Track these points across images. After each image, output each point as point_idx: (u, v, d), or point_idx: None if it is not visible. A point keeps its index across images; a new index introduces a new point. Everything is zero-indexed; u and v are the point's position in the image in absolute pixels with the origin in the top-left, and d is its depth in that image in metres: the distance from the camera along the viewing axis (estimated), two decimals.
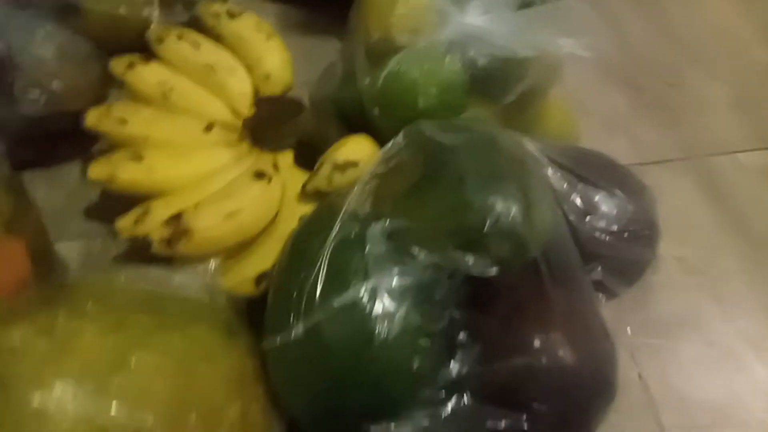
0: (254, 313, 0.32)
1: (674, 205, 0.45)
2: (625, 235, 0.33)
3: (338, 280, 0.28)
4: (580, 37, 0.35)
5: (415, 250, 0.28)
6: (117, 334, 0.26)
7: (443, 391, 0.29)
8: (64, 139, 0.41)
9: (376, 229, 0.29)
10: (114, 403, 0.24)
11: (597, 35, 0.34)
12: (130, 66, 0.39)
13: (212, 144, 0.38)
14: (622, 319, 0.35)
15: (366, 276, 0.28)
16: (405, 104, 0.35)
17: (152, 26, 0.41)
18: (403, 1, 0.36)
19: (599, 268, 0.33)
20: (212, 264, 0.34)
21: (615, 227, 0.33)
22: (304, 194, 0.36)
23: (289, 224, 0.35)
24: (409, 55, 0.35)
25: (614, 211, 0.33)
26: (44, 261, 0.33)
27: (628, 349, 0.38)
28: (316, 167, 0.35)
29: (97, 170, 0.35)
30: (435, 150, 0.31)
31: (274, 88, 0.40)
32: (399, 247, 0.29)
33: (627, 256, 0.33)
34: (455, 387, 0.29)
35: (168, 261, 0.34)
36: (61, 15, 0.39)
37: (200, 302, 0.30)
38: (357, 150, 0.35)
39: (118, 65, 0.39)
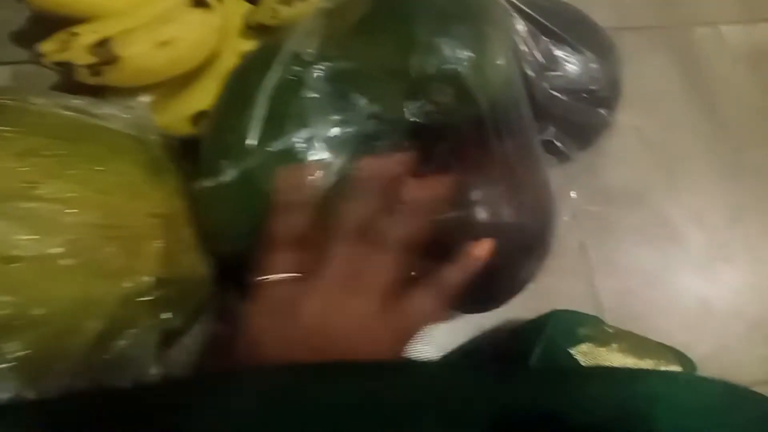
0: (191, 153, 0.31)
1: (643, 74, 0.43)
2: (584, 94, 0.32)
3: (275, 125, 0.27)
4: None
5: (356, 97, 0.26)
6: (29, 159, 0.24)
7: None
8: None
9: (318, 71, 0.27)
10: (23, 228, 0.23)
11: None
12: None
13: None
14: (570, 183, 0.35)
15: (303, 122, 0.26)
16: None
17: None
18: None
19: (553, 129, 0.32)
20: (145, 99, 0.32)
21: (575, 85, 0.31)
22: (248, 28, 0.33)
23: (231, 61, 0.33)
24: None
25: (576, 69, 0.31)
26: None
27: (571, 214, 0.38)
28: None
29: None
30: None
31: None
32: (341, 92, 0.27)
33: (583, 117, 0.32)
34: None
35: (99, 92, 0.32)
36: None
37: (127, 136, 0.28)
38: None
39: None
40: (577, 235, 0.38)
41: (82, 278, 0.24)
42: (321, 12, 0.29)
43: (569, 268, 0.38)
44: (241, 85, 0.29)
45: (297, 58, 0.28)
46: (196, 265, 0.28)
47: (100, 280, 0.24)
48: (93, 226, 0.24)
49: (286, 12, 0.31)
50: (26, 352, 0.22)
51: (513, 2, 0.31)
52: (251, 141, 0.26)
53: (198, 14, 0.31)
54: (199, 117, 0.32)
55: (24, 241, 0.22)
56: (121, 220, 0.25)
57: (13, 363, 0.21)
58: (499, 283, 0.31)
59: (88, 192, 0.25)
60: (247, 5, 0.34)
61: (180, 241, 0.27)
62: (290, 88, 0.27)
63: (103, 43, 0.30)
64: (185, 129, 0.32)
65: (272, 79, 0.27)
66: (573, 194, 0.32)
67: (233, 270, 0.29)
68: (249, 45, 0.33)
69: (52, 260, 0.23)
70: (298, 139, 0.26)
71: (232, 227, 0.28)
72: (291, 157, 0.26)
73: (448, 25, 0.27)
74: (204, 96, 0.32)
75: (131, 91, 0.32)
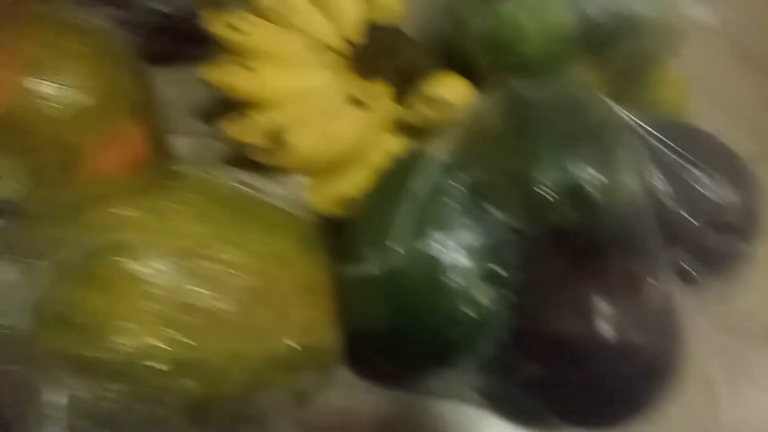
0: (333, 232, 0.34)
1: None
2: (718, 223, 0.32)
3: (418, 227, 0.29)
4: (711, 4, 0.32)
5: (491, 207, 0.29)
6: (209, 225, 0.28)
7: (495, 342, 0.30)
8: (184, 38, 0.44)
9: (458, 180, 0.30)
10: (199, 283, 0.26)
11: (731, 6, 0.32)
12: None
13: (317, 64, 0.39)
14: (701, 311, 0.34)
15: (444, 227, 0.29)
16: (510, 49, 0.35)
17: None
18: None
19: (683, 253, 0.32)
20: (300, 179, 0.36)
21: (707, 212, 0.31)
22: (396, 126, 0.37)
23: (377, 154, 0.36)
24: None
25: (708, 196, 0.32)
26: (160, 149, 0.36)
27: (700, 343, 0.36)
28: (409, 101, 0.36)
29: (210, 74, 0.38)
30: (520, 106, 0.31)
31: (384, 17, 0.40)
32: (477, 200, 0.29)
33: (716, 244, 0.32)
34: (506, 340, 0.30)
35: (261, 169, 0.36)
36: None
37: (284, 212, 0.32)
38: (452, 89, 0.35)
39: None
40: (704, 365, 0.37)
41: (236, 334, 0.27)
42: (460, 126, 0.32)
43: (693, 400, 0.36)
44: (390, 186, 0.32)
45: (440, 166, 0.31)
46: (331, 338, 0.31)
47: (251, 339, 0.27)
48: (251, 290, 0.28)
49: (431, 115, 0.35)
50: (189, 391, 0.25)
51: (642, 124, 0.32)
52: (395, 241, 0.29)
53: (357, 112, 0.36)
54: (346, 201, 0.36)
55: (198, 294, 0.26)
56: (274, 289, 0.29)
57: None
58: (613, 404, 0.30)
59: (250, 259, 0.28)
60: (396, 106, 0.38)
61: (321, 314, 0.30)
62: (433, 192, 0.30)
63: (276, 130, 0.35)
64: (333, 210, 0.36)
65: (417, 185, 0.30)
66: (703, 321, 0.32)
67: (361, 351, 0.32)
68: (396, 141, 0.37)
69: (217, 314, 0.26)
70: (438, 244, 0.29)
71: (366, 315, 0.31)
72: (431, 260, 0.29)
73: (574, 144, 0.29)
74: (352, 183, 0.36)
75: (290, 171, 0.36)
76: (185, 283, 0.26)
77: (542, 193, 0.27)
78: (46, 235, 0.27)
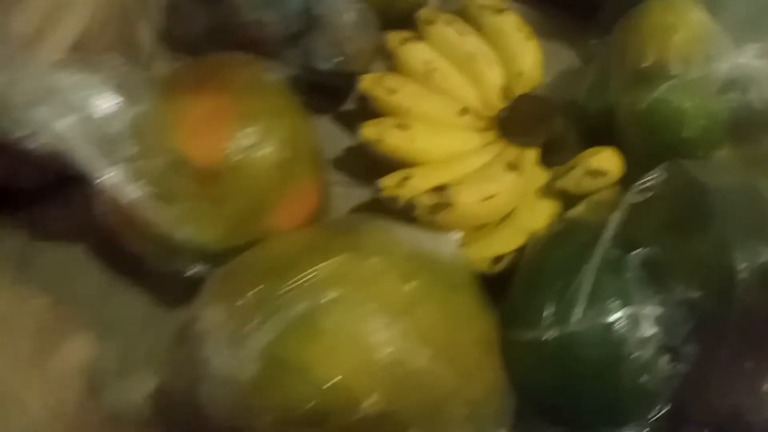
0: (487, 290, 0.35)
1: None
2: None
3: (598, 299, 0.31)
4: None
5: (673, 283, 0.30)
6: (407, 283, 0.30)
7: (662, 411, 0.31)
8: (324, 91, 0.46)
9: (636, 256, 0.31)
10: (406, 341, 0.28)
11: None
12: (404, 42, 0.43)
13: (464, 127, 0.41)
14: None
15: (626, 300, 0.30)
16: (666, 131, 0.37)
17: (424, 8, 0.45)
18: (684, 28, 0.38)
19: None
20: (457, 236, 0.37)
21: None
22: (546, 190, 0.39)
23: (526, 215, 0.38)
24: (681, 84, 0.36)
25: None
26: (324, 197, 0.38)
27: None
28: (566, 168, 0.38)
29: (369, 132, 0.39)
30: (697, 190, 0.32)
31: (524, 86, 0.42)
32: (656, 277, 0.31)
33: None
34: (673, 409, 0.31)
35: (408, 223, 0.38)
36: None
37: (456, 266, 0.33)
38: (610, 161, 0.37)
39: (393, 39, 0.43)
40: None
41: (431, 393, 0.28)
42: (631, 204, 0.33)
43: None
44: (560, 254, 0.34)
45: (613, 241, 0.32)
46: (504, 398, 0.31)
47: (440, 399, 0.28)
48: (446, 346, 0.29)
49: (588, 184, 0.37)
50: None
51: None
52: (576, 311, 0.30)
53: (512, 176, 0.38)
54: (498, 259, 0.37)
55: (406, 353, 0.27)
56: (461, 346, 0.30)
57: None
58: None
59: (442, 316, 0.30)
60: (542, 171, 0.40)
61: (497, 372, 0.31)
62: (610, 266, 0.31)
63: (441, 188, 0.36)
64: (484, 268, 0.37)
65: (594, 255, 0.31)
66: None
67: (524, 414, 0.33)
68: (544, 204, 0.39)
69: (418, 374, 0.28)
70: (617, 316, 0.30)
71: (535, 378, 0.32)
72: (611, 331, 0.30)
73: (759, 231, 0.30)
74: (504, 243, 0.37)
75: (446, 229, 0.37)
76: (394, 340, 0.28)
77: (737, 278, 0.29)
78: (267, 288, 0.28)
